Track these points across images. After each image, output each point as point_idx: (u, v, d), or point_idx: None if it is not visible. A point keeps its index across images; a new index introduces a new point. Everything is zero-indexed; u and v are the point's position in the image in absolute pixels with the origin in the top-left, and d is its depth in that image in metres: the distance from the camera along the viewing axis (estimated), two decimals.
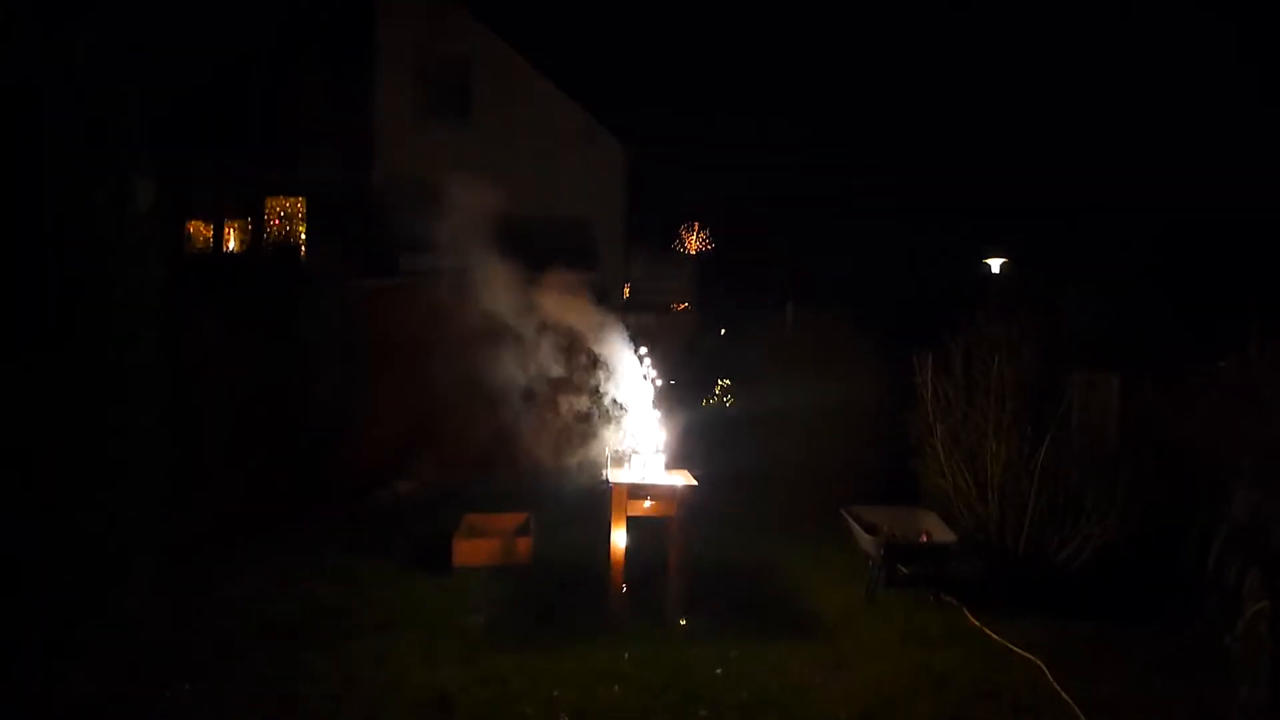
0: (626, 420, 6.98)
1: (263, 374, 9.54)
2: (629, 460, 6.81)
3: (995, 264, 20.91)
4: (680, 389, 13.64)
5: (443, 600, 6.61)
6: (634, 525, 6.73)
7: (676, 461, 7.08)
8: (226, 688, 4.96)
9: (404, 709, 4.76)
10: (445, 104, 16.14)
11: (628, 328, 14.09)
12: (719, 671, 5.27)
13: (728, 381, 11.98)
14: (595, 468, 7.00)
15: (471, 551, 7.42)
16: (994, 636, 5.87)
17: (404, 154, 15.84)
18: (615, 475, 6.63)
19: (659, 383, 7.18)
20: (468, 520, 8.24)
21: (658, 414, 6.97)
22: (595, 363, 7.18)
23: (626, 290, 16.96)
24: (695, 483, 6.63)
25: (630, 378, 7.13)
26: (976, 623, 6.14)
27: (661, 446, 6.83)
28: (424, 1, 16.24)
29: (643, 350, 7.36)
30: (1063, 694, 4.92)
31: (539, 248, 14.94)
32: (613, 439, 6.97)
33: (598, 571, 6.74)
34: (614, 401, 7.06)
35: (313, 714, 4.71)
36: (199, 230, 16.04)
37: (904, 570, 7.06)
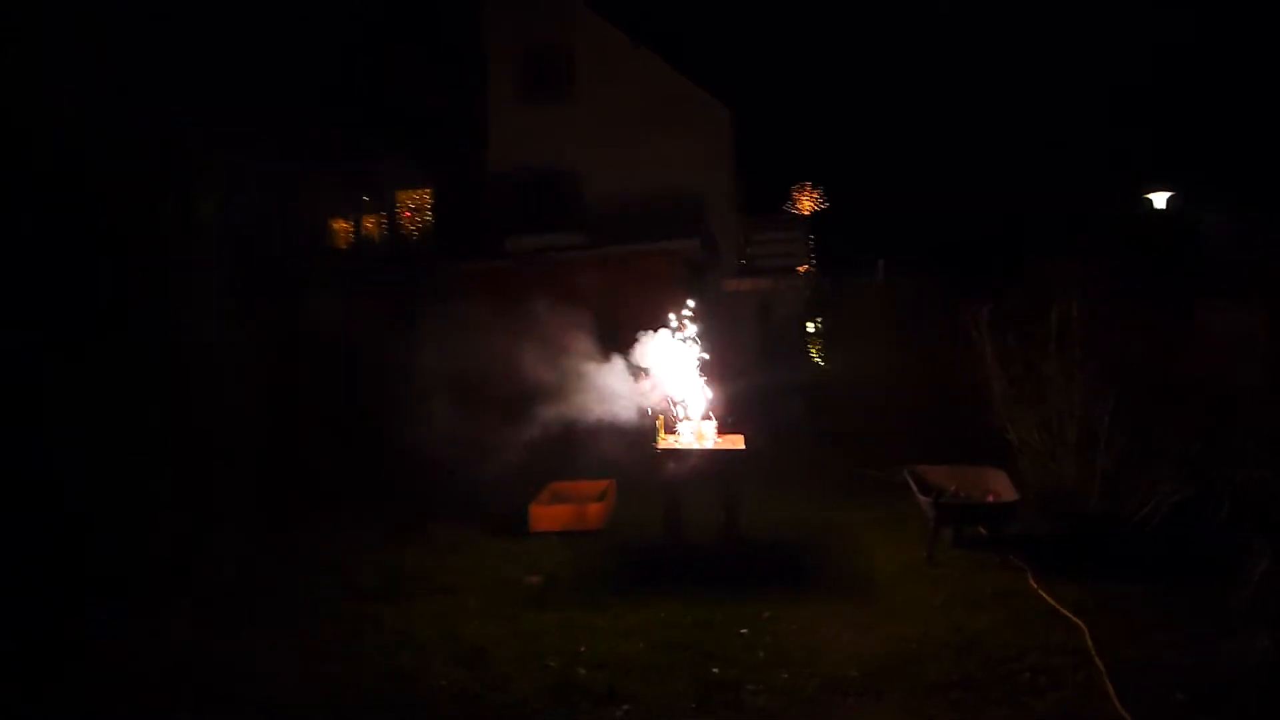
0: (677, 390, 7.13)
1: (374, 353, 10.40)
2: (679, 426, 6.99)
3: (1160, 199, 19.17)
4: (780, 351, 13.59)
5: (510, 564, 7.07)
6: (695, 488, 6.94)
7: (732, 425, 7.18)
8: (299, 640, 5.60)
9: (444, 659, 5.19)
10: (549, 86, 16.58)
11: (737, 293, 14.13)
12: (744, 631, 5.39)
13: (819, 344, 11.82)
14: (653, 435, 7.20)
15: (546, 517, 7.85)
16: (1046, 597, 5.64)
17: (514, 138, 16.46)
18: (665, 442, 6.83)
19: (704, 355, 7.27)
20: (552, 487, 8.70)
21: (706, 382, 7.10)
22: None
23: (741, 260, 16.89)
24: (744, 447, 6.73)
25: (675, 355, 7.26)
26: (1034, 584, 5.91)
27: (711, 412, 6.96)
28: None
29: (692, 329, 7.42)
30: (1095, 657, 4.70)
31: (647, 221, 15.24)
32: (667, 408, 7.15)
33: (663, 537, 7.00)
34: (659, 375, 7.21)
35: (363, 659, 5.23)
36: (341, 227, 17.40)
37: (983, 531, 6.89)
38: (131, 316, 5.58)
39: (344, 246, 17.51)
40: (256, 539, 6.81)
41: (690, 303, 7.59)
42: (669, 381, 7.14)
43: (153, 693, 4.80)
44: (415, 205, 17.10)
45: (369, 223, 17.51)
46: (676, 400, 7.10)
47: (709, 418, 6.97)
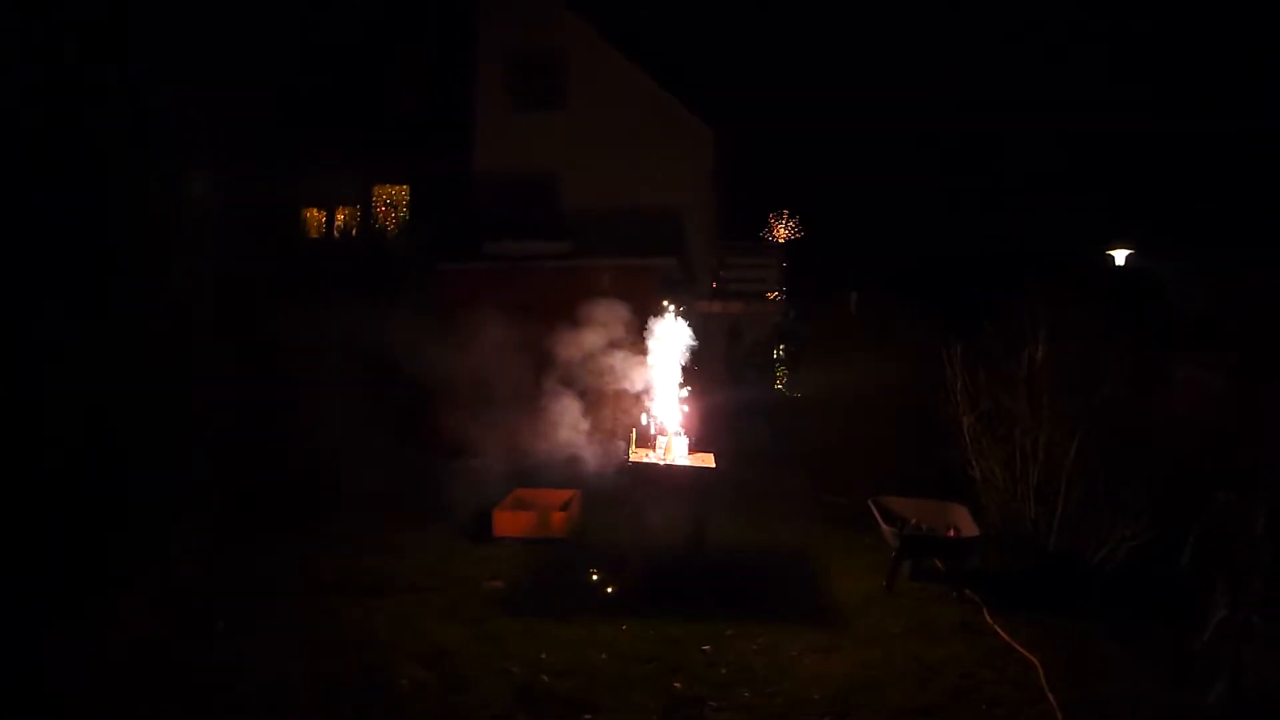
0: (653, 404, 7.17)
1: (343, 348, 10.26)
2: (653, 442, 7.02)
3: (1120, 255, 19.69)
4: (747, 375, 13.71)
5: (474, 567, 7.03)
6: (661, 504, 6.96)
7: (700, 444, 7.23)
8: (259, 629, 5.51)
9: (405, 658, 5.15)
10: (540, 94, 16.61)
11: (708, 315, 14.25)
12: (706, 648, 5.42)
13: (784, 370, 11.98)
14: (625, 448, 7.23)
15: (510, 523, 7.81)
16: (1001, 634, 5.76)
17: (499, 143, 16.45)
18: (637, 456, 6.85)
19: (689, 370, 7.34)
20: (517, 494, 8.66)
21: (684, 398, 7.14)
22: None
23: (714, 283, 17.03)
24: (715, 466, 6.78)
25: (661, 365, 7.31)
26: (990, 619, 6.02)
27: (684, 429, 7.00)
28: None
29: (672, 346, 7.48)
30: (1048, 693, 4.81)
31: (626, 235, 15.32)
32: (641, 421, 7.17)
33: (626, 548, 7.00)
34: (643, 387, 7.26)
35: (326, 656, 5.16)
36: (314, 217, 17.20)
37: (939, 565, 7.01)
38: (111, 299, 5.47)
39: (315, 235, 17.29)
40: (221, 535, 6.67)
41: (675, 319, 7.60)
42: (645, 396, 7.17)
43: (112, 687, 4.68)
44: (391, 201, 16.96)
45: (342, 214, 17.32)
46: (651, 415, 7.13)
47: (681, 434, 7.01)
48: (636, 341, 7.66)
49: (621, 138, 16.21)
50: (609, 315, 9.13)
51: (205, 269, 6.09)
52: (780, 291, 17.33)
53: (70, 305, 5.17)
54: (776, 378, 14.22)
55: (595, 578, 6.65)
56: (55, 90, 5.28)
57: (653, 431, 7.10)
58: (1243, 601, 3.56)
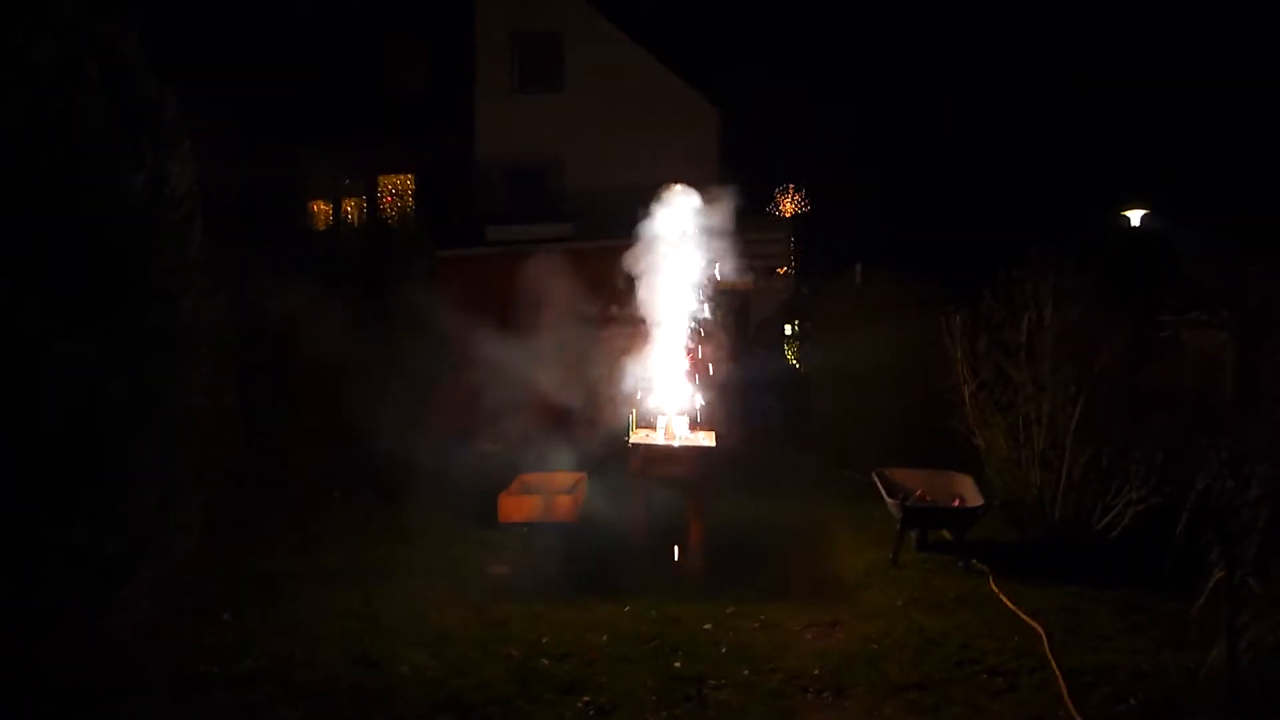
0: (654, 383, 7.15)
1: (347, 336, 10.29)
2: (654, 422, 7.01)
3: (1135, 215, 19.37)
4: (758, 351, 13.65)
5: (479, 552, 7.08)
6: (665, 484, 6.96)
7: (706, 422, 7.20)
8: (264, 618, 5.57)
9: (408, 643, 5.17)
10: (540, 76, 16.53)
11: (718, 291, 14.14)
12: (708, 626, 5.42)
13: (795, 344, 11.92)
14: (623, 429, 7.21)
15: (515, 508, 7.80)
16: (1006, 602, 5.72)
17: (501, 126, 16.39)
18: (637, 436, 6.85)
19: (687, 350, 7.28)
20: (522, 478, 8.65)
21: (686, 376, 7.11)
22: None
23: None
24: (714, 445, 6.75)
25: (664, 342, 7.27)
26: (995, 589, 5.98)
27: (687, 408, 6.98)
28: None
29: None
30: (1051, 661, 4.77)
31: (630, 215, 15.22)
32: (640, 401, 7.16)
33: (632, 531, 7.00)
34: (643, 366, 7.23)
35: (327, 640, 5.20)
36: (320, 209, 17.26)
37: (946, 535, 6.97)
38: (97, 292, 5.46)
39: (322, 228, 17.36)
40: (223, 519, 6.72)
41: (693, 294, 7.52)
42: (646, 375, 7.15)
43: (115, 667, 4.74)
44: (397, 190, 16.99)
45: (348, 205, 17.37)
46: (652, 394, 7.11)
47: (683, 414, 6.98)
48: (638, 321, 7.63)
49: (625, 117, 16.11)
50: (609, 297, 9.10)
51: (200, 263, 6.05)
52: (790, 267, 17.21)
53: (56, 296, 5.17)
54: (787, 353, 14.15)
55: (598, 561, 6.67)
56: (36, 78, 5.23)
57: (654, 411, 7.09)
58: (1238, 564, 3.51)
